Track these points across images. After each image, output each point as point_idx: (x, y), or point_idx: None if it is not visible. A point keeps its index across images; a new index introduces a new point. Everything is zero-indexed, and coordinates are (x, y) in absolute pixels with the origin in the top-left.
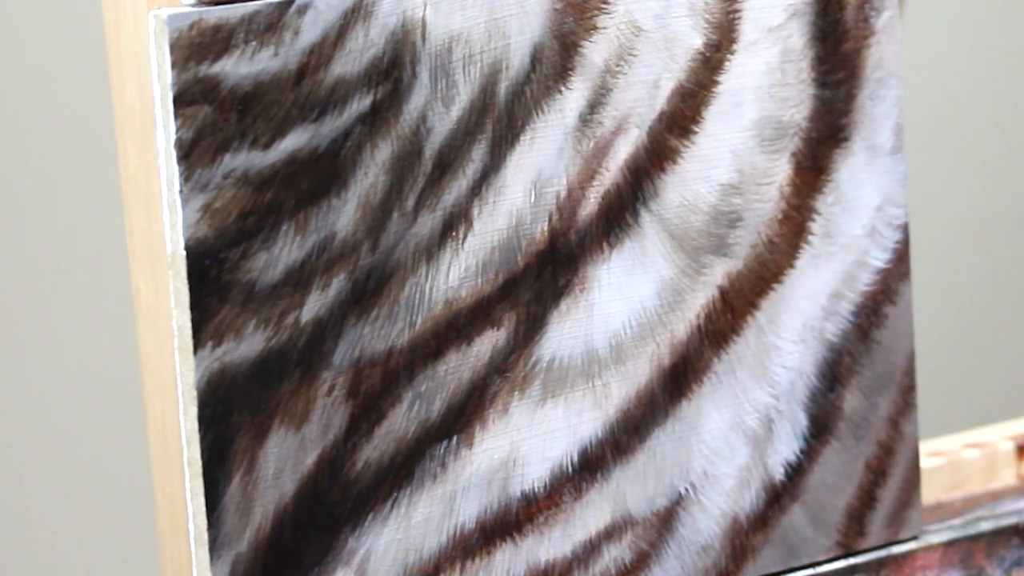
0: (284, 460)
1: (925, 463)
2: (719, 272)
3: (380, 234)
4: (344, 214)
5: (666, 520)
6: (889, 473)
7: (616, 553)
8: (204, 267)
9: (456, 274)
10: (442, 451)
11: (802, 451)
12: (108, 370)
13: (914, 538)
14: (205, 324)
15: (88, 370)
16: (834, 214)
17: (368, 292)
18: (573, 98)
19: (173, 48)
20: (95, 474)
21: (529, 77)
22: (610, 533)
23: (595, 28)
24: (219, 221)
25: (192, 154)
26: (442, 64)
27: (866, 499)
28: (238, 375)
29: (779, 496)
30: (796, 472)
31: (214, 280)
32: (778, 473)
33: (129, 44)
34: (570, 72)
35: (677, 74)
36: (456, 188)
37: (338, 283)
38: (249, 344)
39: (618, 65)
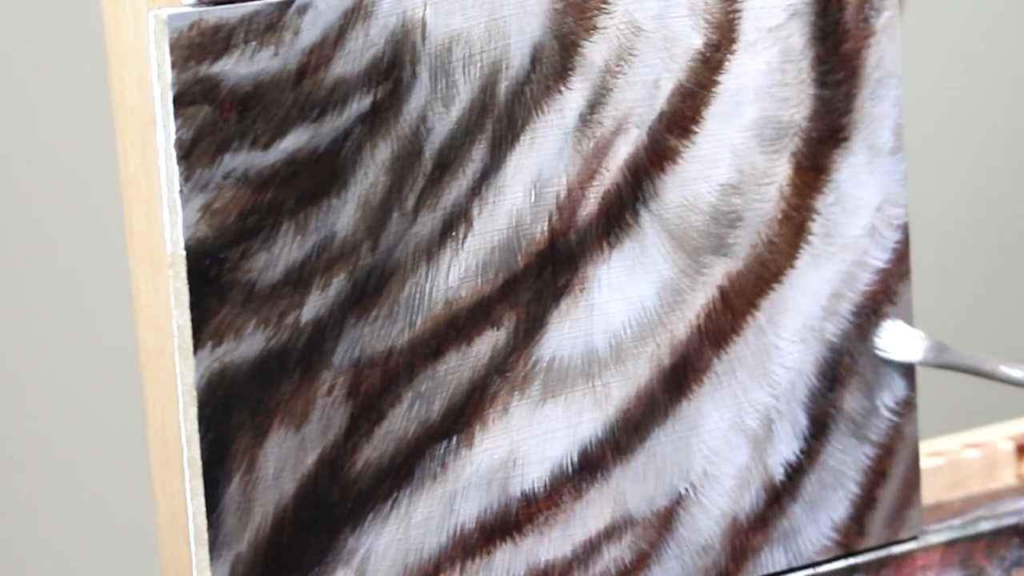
0: (284, 460)
1: (925, 463)
2: (719, 272)
3: (380, 234)
4: (344, 214)
5: (666, 520)
6: (889, 473)
7: (616, 553)
8: (204, 267)
9: (456, 274)
10: (442, 451)
11: (802, 451)
12: (108, 370)
13: (914, 538)
14: (205, 324)
15: (88, 370)
16: (834, 214)
17: (368, 292)
18: (573, 98)
19: (173, 48)
20: (95, 474)
21: (529, 77)
22: (610, 533)
23: (595, 28)
24: (219, 221)
25: (192, 154)
26: (442, 64)
27: (866, 499)
28: (238, 375)
29: (779, 496)
30: (796, 472)
31: (214, 280)
32: (778, 473)
33: (129, 44)
34: (570, 72)
35: (677, 74)
36: (456, 188)
37: (338, 283)
38: (249, 344)
39: (618, 65)
